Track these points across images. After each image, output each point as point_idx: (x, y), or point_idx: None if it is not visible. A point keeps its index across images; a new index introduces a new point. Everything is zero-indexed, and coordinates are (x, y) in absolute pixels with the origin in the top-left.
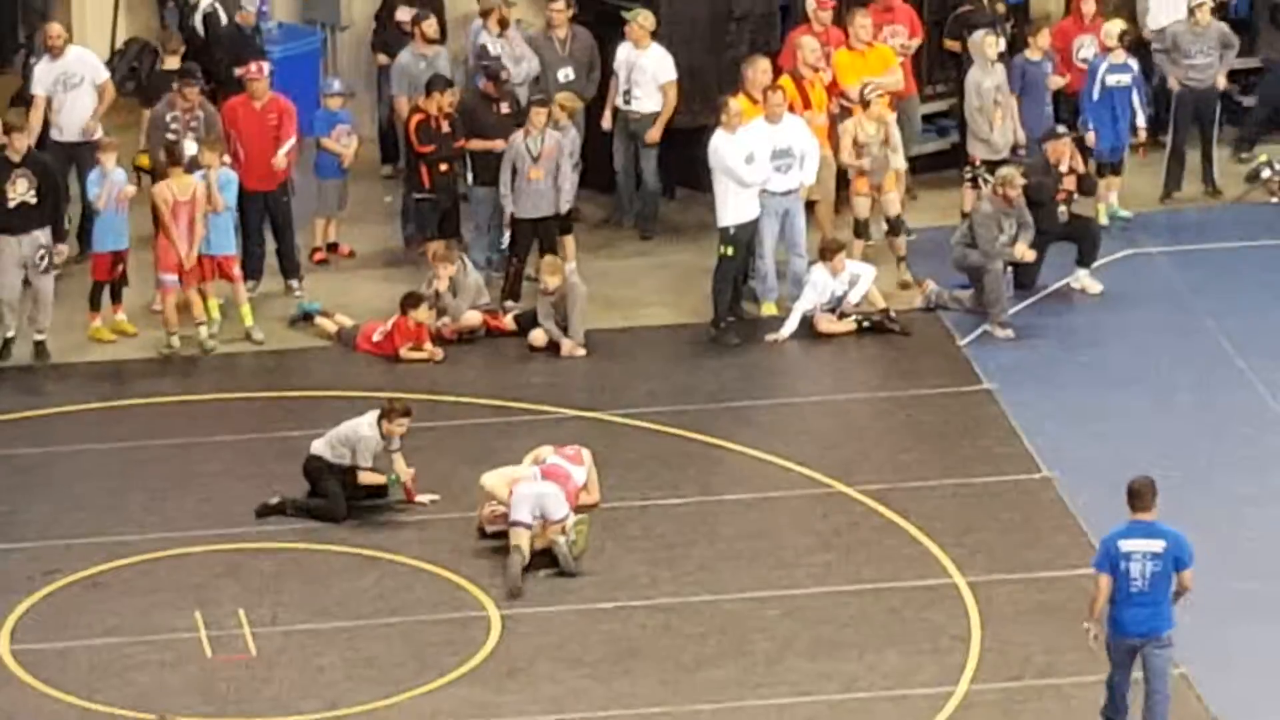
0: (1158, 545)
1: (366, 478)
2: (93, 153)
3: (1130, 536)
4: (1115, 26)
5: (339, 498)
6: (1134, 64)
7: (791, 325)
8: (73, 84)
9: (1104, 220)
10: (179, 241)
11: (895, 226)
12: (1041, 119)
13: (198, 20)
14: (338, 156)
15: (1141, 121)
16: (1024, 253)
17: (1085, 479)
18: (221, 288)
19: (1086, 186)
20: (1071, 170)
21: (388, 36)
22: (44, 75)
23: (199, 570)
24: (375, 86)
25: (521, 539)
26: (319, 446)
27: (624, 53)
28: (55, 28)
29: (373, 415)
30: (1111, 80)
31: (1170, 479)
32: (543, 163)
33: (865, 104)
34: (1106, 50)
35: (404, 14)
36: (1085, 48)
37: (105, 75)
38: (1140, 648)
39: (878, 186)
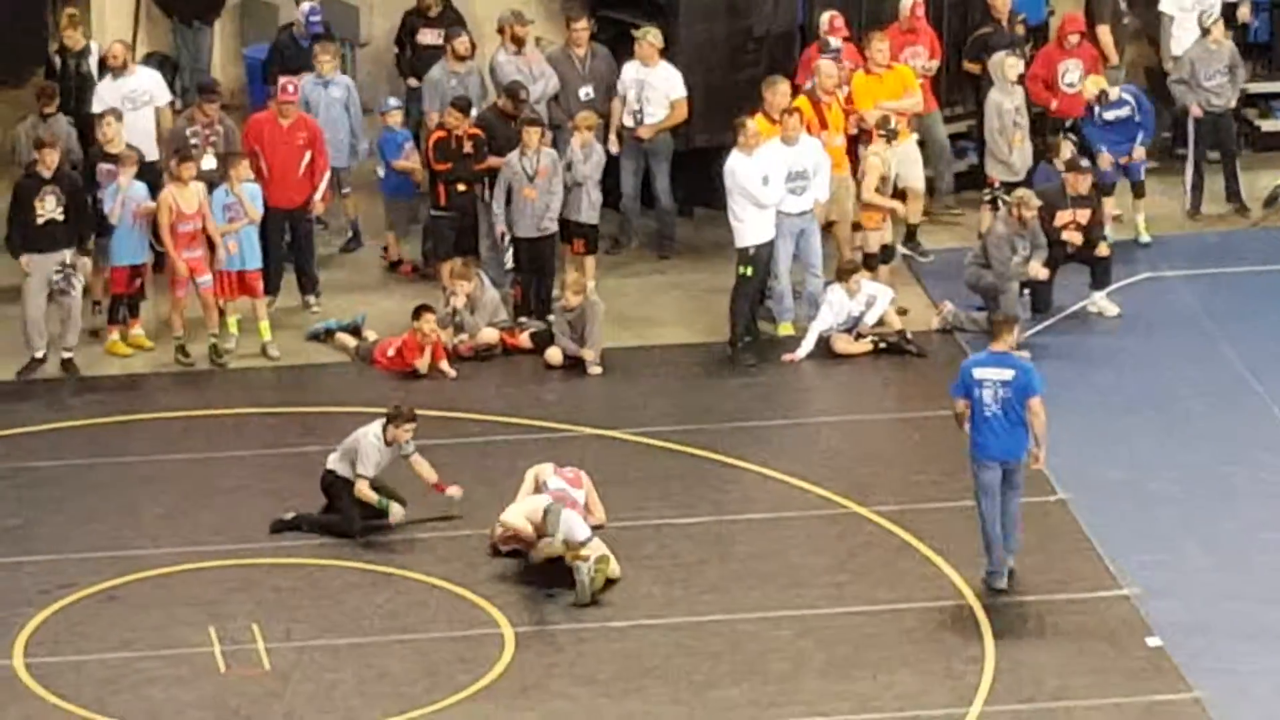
0: (1007, 374)
1: (362, 493)
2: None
3: (984, 365)
4: (1094, 86)
5: (354, 514)
6: (1129, 96)
7: (808, 346)
8: (141, 102)
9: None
10: (172, 251)
11: (887, 256)
12: None
13: (92, 63)
14: (410, 174)
15: (1140, 140)
16: (1037, 270)
17: (1100, 501)
18: (240, 302)
19: (1095, 235)
20: (1085, 197)
21: (413, 60)
22: (107, 94)
23: (214, 585)
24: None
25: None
26: (334, 461)
27: (631, 71)
28: (116, 46)
29: (378, 423)
30: (1110, 116)
31: (1185, 503)
32: (538, 182)
33: (892, 137)
34: (1097, 101)
35: (427, 36)
36: (1070, 72)
37: (168, 98)
38: (1002, 470)
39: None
